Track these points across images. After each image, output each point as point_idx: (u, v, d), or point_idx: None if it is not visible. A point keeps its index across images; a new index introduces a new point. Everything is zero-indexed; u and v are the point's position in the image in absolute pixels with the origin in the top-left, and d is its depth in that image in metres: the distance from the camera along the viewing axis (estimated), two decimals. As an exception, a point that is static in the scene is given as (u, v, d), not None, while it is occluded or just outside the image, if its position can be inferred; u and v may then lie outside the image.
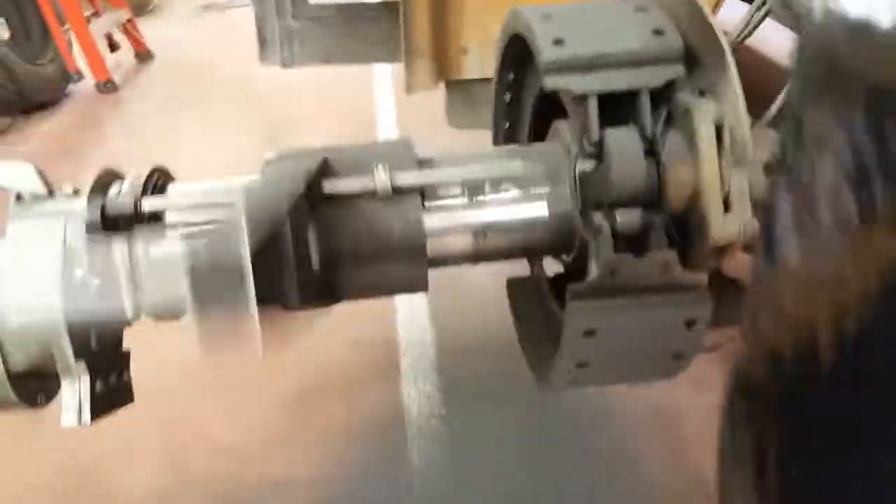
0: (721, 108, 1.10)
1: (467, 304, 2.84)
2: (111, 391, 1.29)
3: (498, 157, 1.40)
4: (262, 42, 2.73)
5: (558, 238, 1.33)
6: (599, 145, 1.14)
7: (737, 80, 1.10)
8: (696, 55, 1.17)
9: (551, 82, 1.14)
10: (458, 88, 2.60)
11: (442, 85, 2.58)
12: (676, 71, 1.14)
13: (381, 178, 1.23)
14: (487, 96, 1.67)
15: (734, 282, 1.25)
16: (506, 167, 1.33)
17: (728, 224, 1.08)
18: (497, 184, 1.31)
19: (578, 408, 2.32)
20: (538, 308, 1.59)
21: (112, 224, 1.25)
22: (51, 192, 1.32)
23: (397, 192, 1.25)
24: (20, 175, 1.31)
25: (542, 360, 1.43)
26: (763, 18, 1.70)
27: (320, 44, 2.78)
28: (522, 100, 1.56)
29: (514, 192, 1.32)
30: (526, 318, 1.59)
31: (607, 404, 2.35)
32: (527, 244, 1.36)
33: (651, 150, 1.13)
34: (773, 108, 1.17)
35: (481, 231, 1.32)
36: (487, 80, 1.69)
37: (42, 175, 1.32)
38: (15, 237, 1.22)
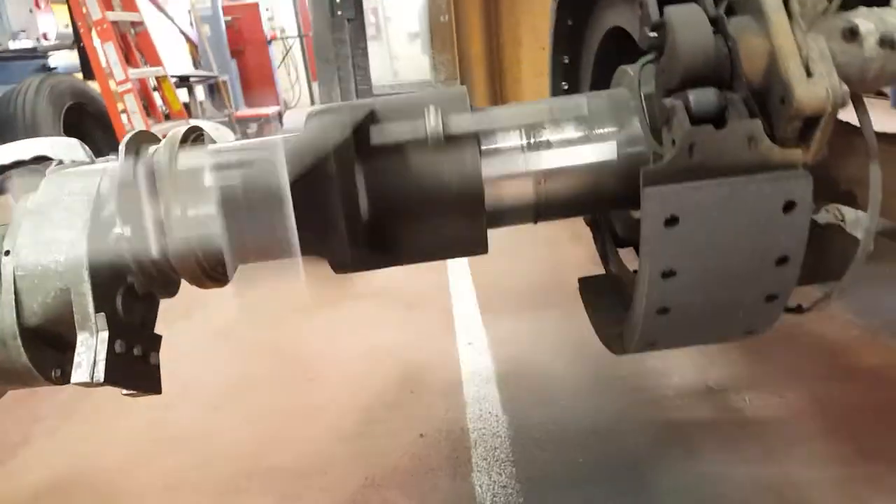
0: (785, -23, 0.99)
1: (543, 394, 2.61)
2: (133, 361, 1.16)
3: (557, 100, 1.31)
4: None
5: (628, 182, 1.19)
6: (661, 29, 1.03)
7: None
8: None
9: None
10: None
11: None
12: None
13: (432, 123, 1.14)
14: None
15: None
16: (567, 105, 1.23)
17: (813, 86, 0.93)
18: (558, 123, 1.21)
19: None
20: (614, 295, 1.41)
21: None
22: (92, 162, 1.29)
23: (451, 139, 1.15)
24: (65, 146, 1.30)
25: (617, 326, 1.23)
26: None
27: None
28: (581, 63, 1.50)
29: (576, 132, 1.21)
30: (601, 306, 1.40)
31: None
32: (594, 190, 1.22)
33: (717, 31, 1.01)
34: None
35: (542, 176, 1.20)
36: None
37: (85, 148, 1.31)
38: (49, 188, 1.17)
